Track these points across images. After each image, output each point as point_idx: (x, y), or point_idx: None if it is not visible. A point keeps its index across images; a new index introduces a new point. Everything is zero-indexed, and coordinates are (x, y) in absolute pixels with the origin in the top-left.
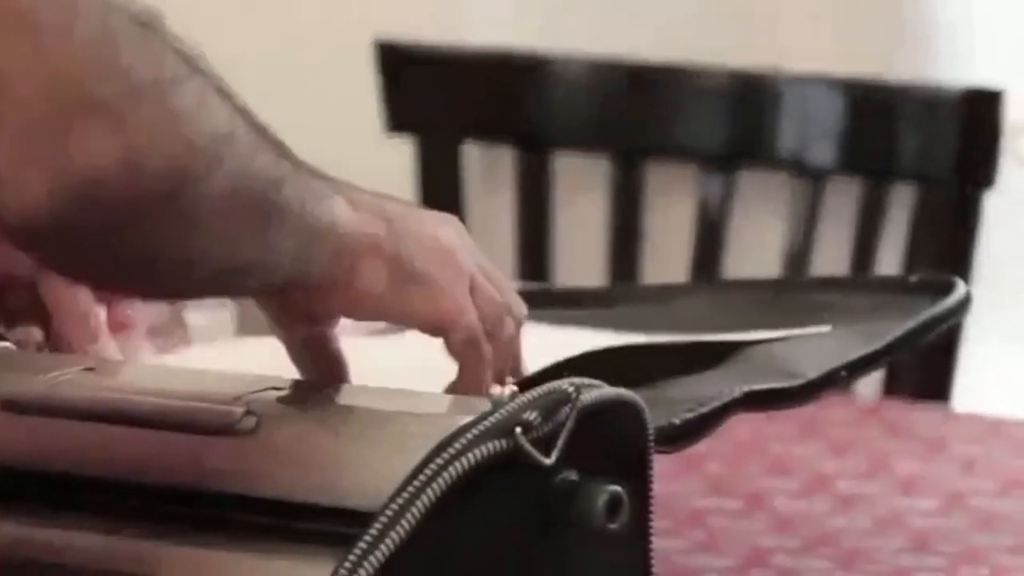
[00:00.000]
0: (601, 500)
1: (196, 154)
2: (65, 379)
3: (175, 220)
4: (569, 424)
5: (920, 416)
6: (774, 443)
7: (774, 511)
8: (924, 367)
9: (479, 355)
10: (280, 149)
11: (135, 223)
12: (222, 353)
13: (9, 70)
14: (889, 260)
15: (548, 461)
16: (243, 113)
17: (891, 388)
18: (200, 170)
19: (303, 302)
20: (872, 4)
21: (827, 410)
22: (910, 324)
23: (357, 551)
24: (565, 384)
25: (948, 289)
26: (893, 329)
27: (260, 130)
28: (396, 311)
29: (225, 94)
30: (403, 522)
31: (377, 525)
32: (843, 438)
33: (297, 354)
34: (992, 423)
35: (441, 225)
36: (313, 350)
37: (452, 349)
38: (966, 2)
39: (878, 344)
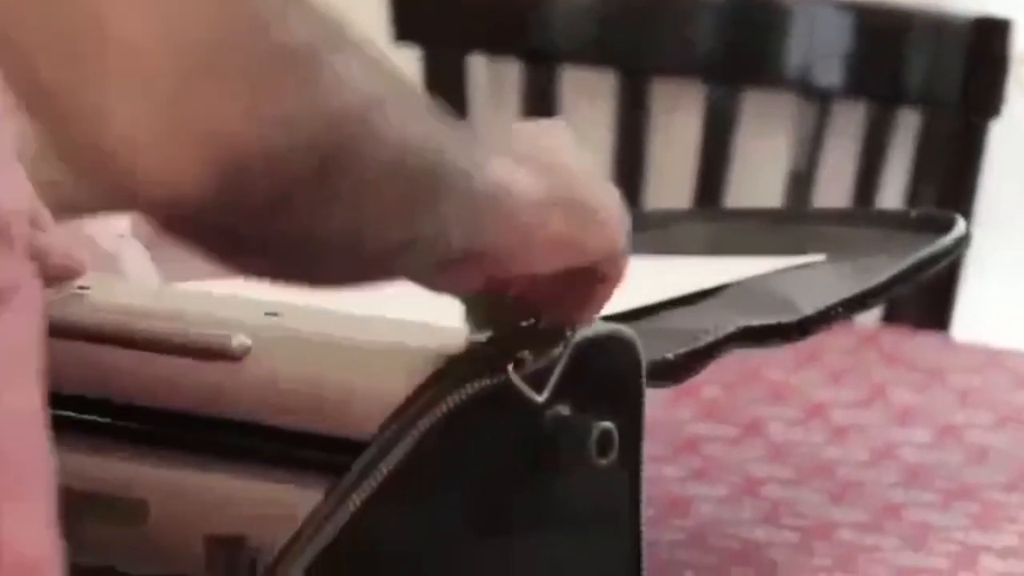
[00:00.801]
0: (593, 436)
1: (347, 125)
2: (58, 299)
3: (329, 195)
4: (563, 361)
5: (919, 345)
6: (771, 370)
7: (768, 439)
8: (924, 296)
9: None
10: (433, 112)
11: (288, 200)
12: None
13: (148, 44)
14: (893, 185)
15: (540, 399)
16: (394, 79)
17: (891, 316)
18: (351, 143)
19: (475, 271)
20: None
21: (825, 337)
22: (908, 261)
23: (347, 480)
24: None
25: (948, 226)
26: (891, 266)
27: (412, 95)
28: (579, 254)
29: (374, 61)
30: (393, 453)
31: (367, 456)
32: (841, 366)
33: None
34: (991, 353)
35: (579, 149)
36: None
37: (611, 277)
38: None
39: (875, 281)
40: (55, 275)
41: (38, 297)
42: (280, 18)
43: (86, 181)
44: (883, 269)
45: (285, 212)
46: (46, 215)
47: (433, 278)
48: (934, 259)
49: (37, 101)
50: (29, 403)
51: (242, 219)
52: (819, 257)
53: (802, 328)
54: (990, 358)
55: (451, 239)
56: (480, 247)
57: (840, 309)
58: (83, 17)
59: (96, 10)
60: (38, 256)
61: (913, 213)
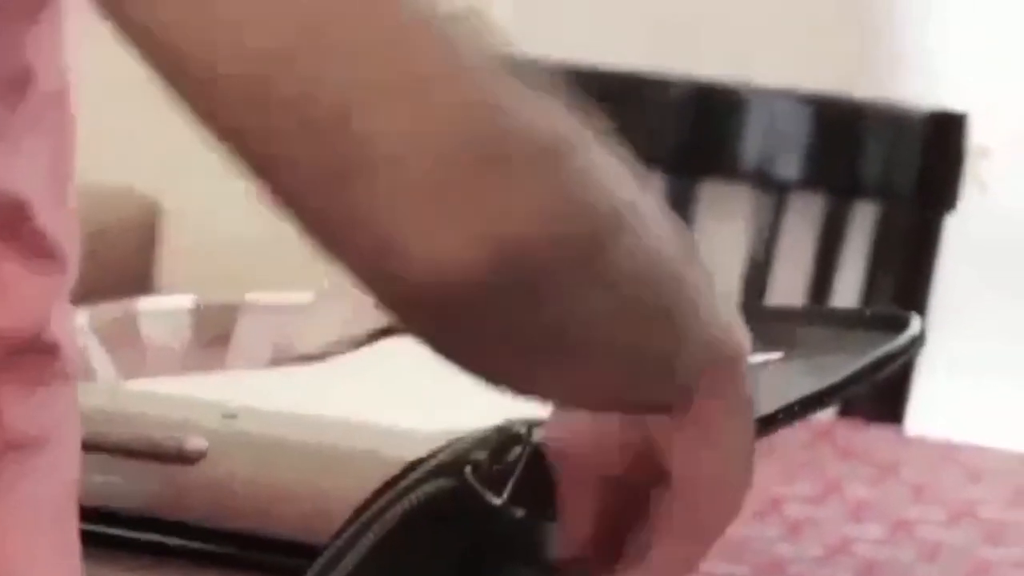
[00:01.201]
0: (548, 538)
1: (607, 217)
2: None
3: (590, 288)
4: (521, 464)
5: (873, 439)
6: None
7: (724, 537)
8: (878, 389)
9: None
10: (677, 228)
11: (553, 290)
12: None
13: (410, 150)
14: (850, 275)
15: (498, 501)
16: (641, 185)
17: (845, 410)
18: (610, 236)
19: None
20: (841, 22)
21: (781, 432)
22: (864, 361)
23: None
24: (517, 423)
25: (903, 324)
26: (847, 365)
27: (657, 206)
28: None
29: (623, 161)
30: (349, 557)
31: (323, 559)
32: (796, 460)
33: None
34: (944, 448)
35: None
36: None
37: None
38: (934, 25)
39: (831, 380)
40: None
41: None
42: (532, 109)
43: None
44: (839, 368)
45: (551, 296)
46: None
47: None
48: (889, 358)
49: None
50: None
51: (511, 302)
52: (776, 355)
53: (758, 427)
54: (943, 453)
55: (691, 370)
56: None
57: (796, 408)
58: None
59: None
60: None
61: (868, 312)
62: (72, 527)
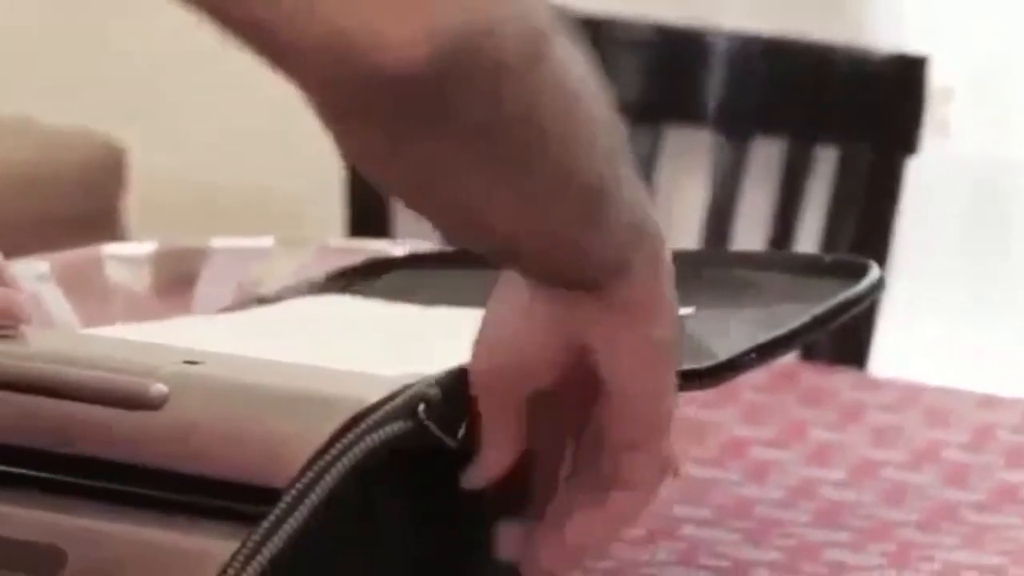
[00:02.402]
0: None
1: (541, 25)
2: None
3: (532, 88)
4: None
5: (836, 381)
6: (688, 407)
7: (686, 479)
8: (841, 332)
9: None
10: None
11: (500, 81)
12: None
13: None
14: (811, 222)
15: (453, 443)
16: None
17: (808, 353)
18: (545, 43)
19: (590, 317)
20: None
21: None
22: (822, 307)
23: (261, 529)
24: (466, 363)
25: (862, 272)
26: (805, 312)
27: (576, 45)
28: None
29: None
30: (308, 501)
31: (282, 504)
32: (758, 403)
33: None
34: (907, 389)
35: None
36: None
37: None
38: None
39: (789, 327)
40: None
41: None
42: None
43: (295, 77)
44: (797, 316)
45: (506, 90)
46: None
47: (584, 283)
48: (847, 305)
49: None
50: None
51: (467, 90)
52: (689, 310)
53: (715, 374)
54: (906, 395)
55: (618, 236)
56: (626, 272)
57: (753, 355)
58: None
59: None
60: None
61: (827, 258)
62: None
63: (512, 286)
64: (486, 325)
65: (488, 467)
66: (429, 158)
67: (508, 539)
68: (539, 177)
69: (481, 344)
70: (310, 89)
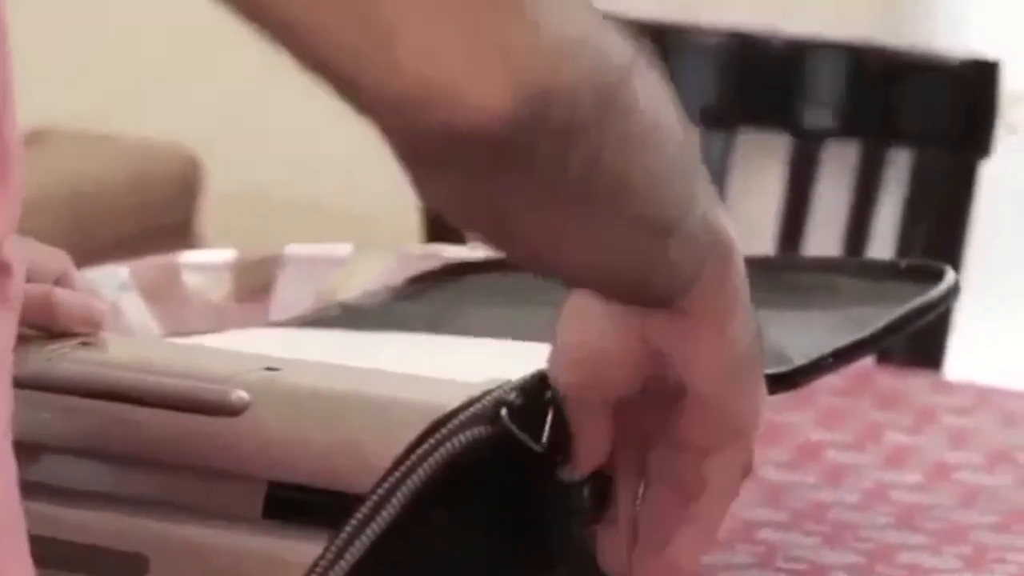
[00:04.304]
0: (586, 487)
1: (612, 74)
2: (60, 354)
3: (607, 137)
4: (553, 405)
5: (911, 385)
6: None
7: (763, 482)
8: (916, 335)
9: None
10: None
11: (578, 133)
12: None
13: None
14: (885, 226)
15: (537, 447)
16: (640, 54)
17: (883, 356)
18: (625, 80)
19: (662, 330)
20: None
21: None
22: (898, 312)
23: (343, 535)
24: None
25: (938, 276)
26: (881, 317)
27: (658, 79)
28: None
29: (622, 36)
30: (389, 507)
31: (363, 510)
32: (833, 407)
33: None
34: (982, 392)
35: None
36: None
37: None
38: None
39: (866, 332)
40: (77, 326)
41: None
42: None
43: (376, 123)
44: (873, 320)
45: (579, 144)
46: (64, 266)
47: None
48: (924, 310)
49: (325, 66)
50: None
51: (542, 146)
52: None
53: (793, 378)
54: (981, 397)
55: (693, 252)
56: (691, 285)
57: (831, 359)
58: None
59: None
60: (55, 308)
61: (903, 263)
62: (9, 450)
63: (586, 297)
64: (564, 336)
65: (579, 462)
66: (502, 202)
67: (611, 552)
68: (609, 215)
69: (561, 355)
70: (389, 135)
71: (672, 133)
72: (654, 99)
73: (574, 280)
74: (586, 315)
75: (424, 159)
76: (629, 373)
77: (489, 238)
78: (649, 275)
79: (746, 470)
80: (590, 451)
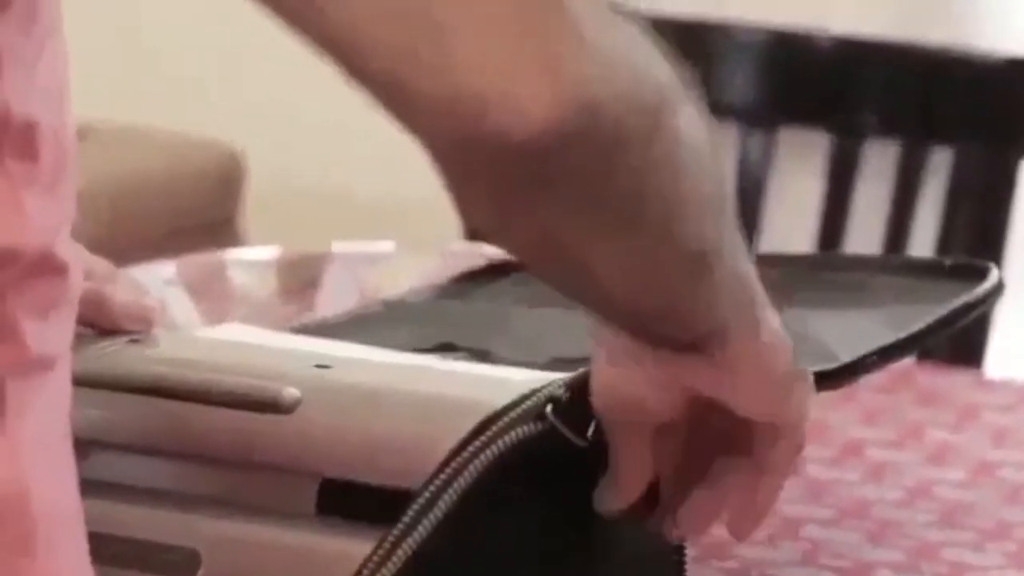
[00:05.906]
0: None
1: (668, 91)
2: (110, 351)
3: (654, 158)
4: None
5: (953, 383)
6: None
7: (807, 479)
8: (958, 332)
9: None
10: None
11: (626, 149)
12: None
13: None
14: (926, 224)
15: (582, 442)
16: (681, 87)
17: (924, 353)
18: (670, 110)
19: (692, 371)
20: None
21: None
22: (943, 311)
23: (395, 532)
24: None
25: (982, 275)
26: (926, 315)
27: (702, 116)
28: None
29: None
30: (440, 504)
31: (415, 507)
32: (876, 405)
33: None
34: (1023, 390)
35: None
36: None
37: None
38: None
39: (911, 330)
40: (130, 324)
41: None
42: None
43: (423, 136)
44: (917, 318)
45: (623, 161)
46: (107, 266)
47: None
48: (968, 308)
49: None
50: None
51: (588, 159)
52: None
53: (838, 375)
54: (1022, 395)
55: (722, 298)
56: (726, 330)
57: (875, 358)
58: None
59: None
60: (110, 306)
61: (948, 262)
62: (70, 448)
63: (613, 338)
64: (599, 375)
65: (622, 495)
66: (542, 217)
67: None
68: (647, 241)
69: (599, 393)
70: (436, 149)
71: (710, 170)
72: (696, 130)
73: (605, 308)
74: (615, 359)
75: (469, 169)
76: (667, 408)
77: (525, 255)
78: (678, 310)
79: (801, 447)
80: (633, 479)
